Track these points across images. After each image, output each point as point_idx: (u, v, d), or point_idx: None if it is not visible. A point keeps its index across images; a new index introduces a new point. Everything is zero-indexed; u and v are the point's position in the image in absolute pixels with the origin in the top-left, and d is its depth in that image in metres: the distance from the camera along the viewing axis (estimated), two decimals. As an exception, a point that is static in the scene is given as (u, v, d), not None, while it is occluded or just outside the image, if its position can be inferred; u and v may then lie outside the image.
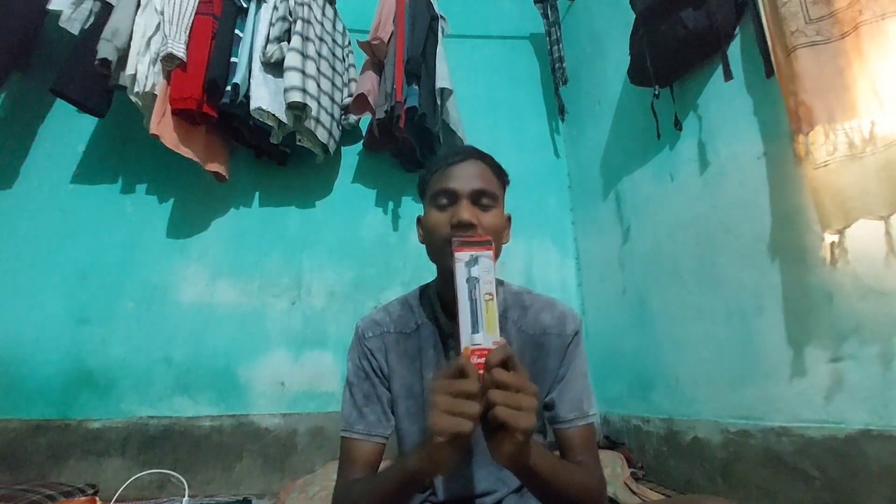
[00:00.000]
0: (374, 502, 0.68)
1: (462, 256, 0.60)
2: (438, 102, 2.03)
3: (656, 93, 1.61)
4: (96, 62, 1.81)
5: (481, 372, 0.54)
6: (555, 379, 0.79)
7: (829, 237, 1.08)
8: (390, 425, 0.80)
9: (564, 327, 0.81)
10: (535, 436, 0.75)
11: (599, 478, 0.76)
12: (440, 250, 0.73)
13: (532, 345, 0.80)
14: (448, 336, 0.80)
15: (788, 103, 1.14)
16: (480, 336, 0.56)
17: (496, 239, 0.74)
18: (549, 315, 0.82)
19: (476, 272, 0.59)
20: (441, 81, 2.01)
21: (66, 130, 2.15)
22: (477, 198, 0.74)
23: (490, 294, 0.58)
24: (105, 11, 1.91)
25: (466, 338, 0.56)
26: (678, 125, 1.61)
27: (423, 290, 0.87)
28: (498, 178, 0.79)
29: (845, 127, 1.04)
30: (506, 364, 0.54)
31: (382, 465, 0.78)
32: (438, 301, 0.82)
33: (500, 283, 0.85)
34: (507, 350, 0.55)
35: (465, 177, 0.74)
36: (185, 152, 1.90)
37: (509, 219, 0.83)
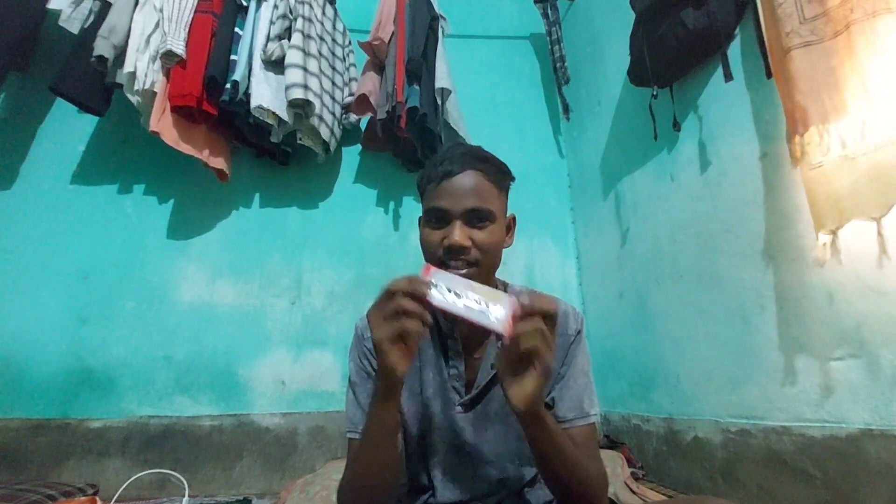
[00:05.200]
0: (362, 454, 0.70)
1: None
2: (439, 102, 2.03)
3: (654, 93, 1.61)
4: (92, 59, 1.81)
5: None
6: (556, 378, 0.79)
7: (823, 237, 1.09)
8: None
9: (567, 326, 0.81)
10: None
11: (601, 472, 0.75)
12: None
13: None
14: (447, 336, 0.81)
15: (785, 104, 1.14)
16: (496, 312, 0.59)
17: (492, 253, 0.74)
18: None
19: (444, 282, 0.62)
20: (440, 81, 2.01)
21: (66, 130, 2.14)
22: (470, 217, 0.72)
23: (466, 281, 0.62)
24: (105, 10, 1.90)
25: (497, 324, 0.59)
26: (677, 126, 1.61)
27: None
28: (498, 184, 0.76)
29: (838, 127, 1.04)
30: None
31: None
32: None
33: (503, 283, 0.85)
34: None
35: (458, 194, 0.72)
36: (186, 149, 1.89)
37: (513, 219, 0.82)
